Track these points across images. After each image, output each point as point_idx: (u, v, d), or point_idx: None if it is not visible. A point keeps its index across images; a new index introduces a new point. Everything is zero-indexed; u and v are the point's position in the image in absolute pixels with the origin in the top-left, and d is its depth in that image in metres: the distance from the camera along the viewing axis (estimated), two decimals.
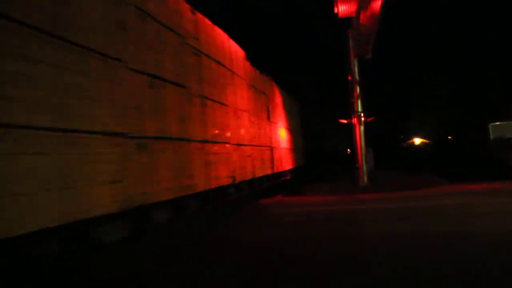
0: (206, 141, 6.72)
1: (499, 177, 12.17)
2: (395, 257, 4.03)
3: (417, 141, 32.77)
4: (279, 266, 3.95)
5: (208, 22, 7.37)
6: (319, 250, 4.53)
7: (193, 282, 3.62)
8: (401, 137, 33.65)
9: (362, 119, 12.18)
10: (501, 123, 23.14)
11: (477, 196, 8.52)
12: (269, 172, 11.91)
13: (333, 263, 3.93)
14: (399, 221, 6.04)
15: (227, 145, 7.86)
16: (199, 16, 6.96)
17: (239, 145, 8.71)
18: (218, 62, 7.72)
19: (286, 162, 14.80)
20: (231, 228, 6.33)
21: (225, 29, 8.13)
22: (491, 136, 22.72)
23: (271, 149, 12.50)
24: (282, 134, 14.58)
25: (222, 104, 7.75)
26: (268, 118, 12.48)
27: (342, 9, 10.95)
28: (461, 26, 41.36)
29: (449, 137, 31.50)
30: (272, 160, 12.39)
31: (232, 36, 8.62)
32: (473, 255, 3.91)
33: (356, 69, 12.32)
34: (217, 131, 7.34)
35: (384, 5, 10.01)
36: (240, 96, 9.17)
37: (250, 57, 9.98)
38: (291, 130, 16.72)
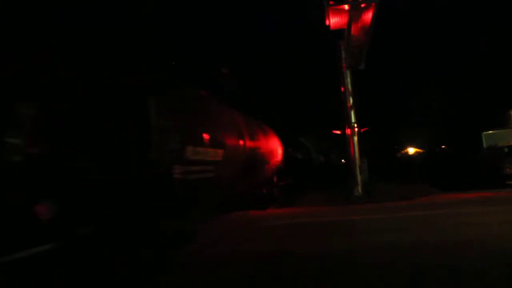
0: None
1: (492, 185, 12.24)
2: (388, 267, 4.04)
3: (411, 150, 32.82)
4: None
5: None
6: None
7: None
8: (395, 147, 33.75)
9: (356, 129, 12.23)
10: (493, 131, 23.26)
11: (469, 206, 8.54)
12: None
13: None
14: (391, 231, 6.07)
15: None
16: None
17: None
18: None
19: None
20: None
21: None
22: (484, 145, 22.80)
23: None
24: None
25: None
26: None
27: (333, 22, 11.08)
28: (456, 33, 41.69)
29: (443, 146, 31.60)
30: None
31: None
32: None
33: (349, 80, 12.41)
34: None
35: (374, 18, 10.16)
36: None
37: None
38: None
